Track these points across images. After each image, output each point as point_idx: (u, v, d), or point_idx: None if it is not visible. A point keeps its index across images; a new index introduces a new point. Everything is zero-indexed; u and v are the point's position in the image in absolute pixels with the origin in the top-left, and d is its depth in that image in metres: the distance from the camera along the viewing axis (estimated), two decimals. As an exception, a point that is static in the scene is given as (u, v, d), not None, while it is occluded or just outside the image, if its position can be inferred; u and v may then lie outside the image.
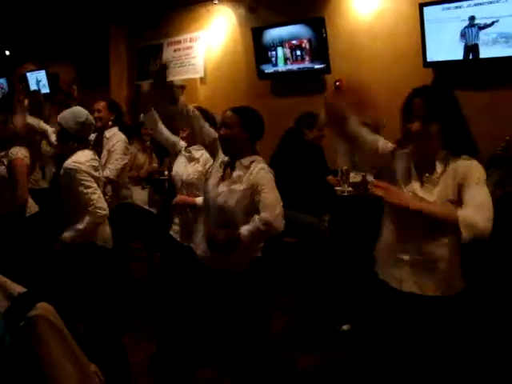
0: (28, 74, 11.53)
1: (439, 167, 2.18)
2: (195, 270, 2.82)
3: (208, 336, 2.80)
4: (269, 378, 2.85)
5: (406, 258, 2.22)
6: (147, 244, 5.01)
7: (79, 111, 3.24)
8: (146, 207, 5.04)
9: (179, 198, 3.52)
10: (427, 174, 2.20)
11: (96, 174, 3.15)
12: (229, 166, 2.77)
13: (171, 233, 3.57)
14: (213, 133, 2.95)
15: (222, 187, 2.71)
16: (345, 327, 3.67)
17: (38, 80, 11.32)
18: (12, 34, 10.53)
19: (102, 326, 3.10)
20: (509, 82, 5.30)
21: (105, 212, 3.08)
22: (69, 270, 3.08)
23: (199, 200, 3.35)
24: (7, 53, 11.93)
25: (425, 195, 2.17)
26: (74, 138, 3.16)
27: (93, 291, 3.05)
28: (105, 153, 4.28)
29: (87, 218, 3.02)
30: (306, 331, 3.94)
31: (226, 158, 2.80)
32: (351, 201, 4.24)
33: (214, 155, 2.96)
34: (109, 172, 4.12)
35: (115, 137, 4.40)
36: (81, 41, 9.75)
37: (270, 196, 2.62)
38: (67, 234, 3.04)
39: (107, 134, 4.43)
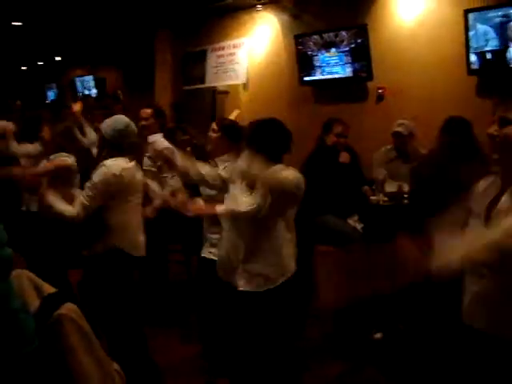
0: (76, 79, 11.90)
1: None
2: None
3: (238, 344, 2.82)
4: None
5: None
6: (185, 247, 5.08)
7: (118, 119, 3.34)
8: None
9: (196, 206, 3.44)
10: None
11: (124, 179, 3.19)
12: None
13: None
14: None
15: None
16: (377, 335, 3.63)
17: (84, 85, 11.65)
18: (62, 41, 10.89)
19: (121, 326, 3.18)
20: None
21: (74, 215, 3.06)
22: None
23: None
24: (57, 58, 12.34)
25: None
26: (109, 145, 3.29)
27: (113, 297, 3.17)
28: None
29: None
30: (338, 338, 3.93)
31: None
32: (386, 210, 4.21)
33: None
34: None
35: (157, 144, 4.38)
36: (127, 47, 10.01)
37: None
38: None
39: (150, 139, 4.50)
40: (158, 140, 4.47)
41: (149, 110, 4.63)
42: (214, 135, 3.49)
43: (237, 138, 3.38)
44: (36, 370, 1.36)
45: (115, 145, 3.26)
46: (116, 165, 3.16)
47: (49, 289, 1.57)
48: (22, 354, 1.35)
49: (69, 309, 1.46)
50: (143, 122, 4.50)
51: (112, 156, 3.24)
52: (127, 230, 3.24)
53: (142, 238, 3.35)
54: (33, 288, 1.57)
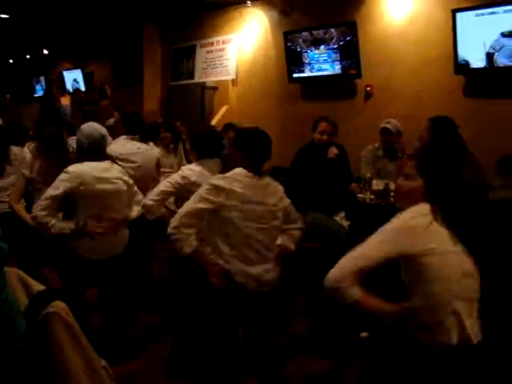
0: (65, 73, 11.81)
1: None
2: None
3: (226, 339, 2.85)
4: (282, 381, 2.88)
5: None
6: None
7: (86, 128, 3.53)
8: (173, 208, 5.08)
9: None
10: None
11: (86, 185, 3.33)
12: None
13: None
14: None
15: None
16: (363, 334, 3.66)
17: (74, 79, 11.58)
18: (50, 34, 10.80)
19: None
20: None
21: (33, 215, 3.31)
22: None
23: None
24: (45, 52, 12.23)
25: None
26: (79, 150, 3.52)
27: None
28: None
29: None
30: (322, 335, 3.96)
31: None
32: (373, 208, 4.24)
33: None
34: None
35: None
36: (115, 40, 9.94)
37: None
38: None
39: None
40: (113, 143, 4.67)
41: (116, 114, 4.96)
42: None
43: (199, 148, 3.51)
44: (24, 367, 1.37)
45: (83, 150, 3.48)
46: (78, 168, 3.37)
47: (37, 286, 1.58)
48: (13, 349, 1.36)
49: (57, 306, 1.47)
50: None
51: (82, 160, 3.43)
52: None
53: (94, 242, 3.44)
54: (21, 285, 1.57)
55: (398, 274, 2.16)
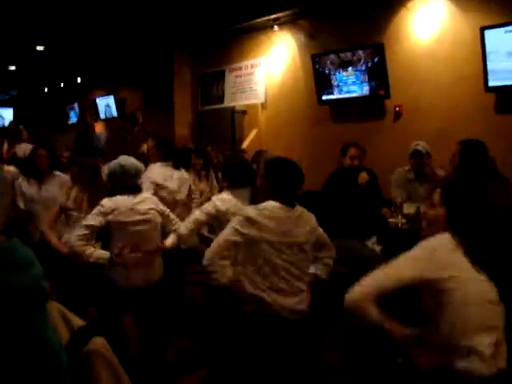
0: (98, 100, 12.10)
1: None
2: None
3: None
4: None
5: None
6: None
7: (121, 162, 3.55)
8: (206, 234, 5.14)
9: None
10: None
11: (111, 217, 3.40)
12: None
13: None
14: None
15: None
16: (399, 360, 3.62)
17: (107, 105, 11.84)
18: (83, 62, 11.11)
19: None
20: None
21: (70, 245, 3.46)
22: None
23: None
24: (79, 79, 12.57)
25: None
26: (113, 184, 3.56)
27: None
28: None
29: None
30: (356, 363, 3.92)
31: None
32: (404, 233, 4.21)
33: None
34: None
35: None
36: (147, 67, 10.16)
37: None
38: None
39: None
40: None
41: (151, 143, 5.19)
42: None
43: (230, 177, 3.63)
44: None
45: (117, 184, 3.53)
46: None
47: (77, 321, 1.63)
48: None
49: (98, 343, 1.51)
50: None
51: (113, 193, 3.48)
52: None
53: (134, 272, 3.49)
54: (62, 320, 1.62)
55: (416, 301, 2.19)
